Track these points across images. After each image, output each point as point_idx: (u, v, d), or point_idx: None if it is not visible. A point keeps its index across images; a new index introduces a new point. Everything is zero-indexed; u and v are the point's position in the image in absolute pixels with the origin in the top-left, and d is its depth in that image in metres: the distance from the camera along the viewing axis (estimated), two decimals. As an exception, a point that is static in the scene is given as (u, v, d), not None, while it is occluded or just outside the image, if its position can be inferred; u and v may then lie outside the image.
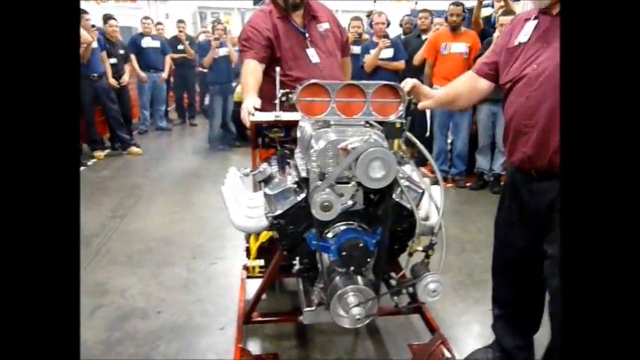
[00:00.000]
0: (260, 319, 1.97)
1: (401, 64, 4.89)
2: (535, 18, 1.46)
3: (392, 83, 1.37)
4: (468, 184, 4.55)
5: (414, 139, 1.49)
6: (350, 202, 1.38)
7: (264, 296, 2.31)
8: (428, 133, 5.01)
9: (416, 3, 10.86)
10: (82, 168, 5.06)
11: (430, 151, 4.75)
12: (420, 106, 1.66)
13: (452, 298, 2.53)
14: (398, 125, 1.34)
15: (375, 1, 11.05)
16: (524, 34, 1.47)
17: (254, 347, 2.03)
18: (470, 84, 1.70)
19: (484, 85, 1.65)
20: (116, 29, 6.14)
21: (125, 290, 2.55)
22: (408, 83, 1.58)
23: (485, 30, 4.57)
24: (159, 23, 7.65)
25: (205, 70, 6.59)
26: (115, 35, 6.09)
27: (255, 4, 10.72)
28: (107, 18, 6.15)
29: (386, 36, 4.99)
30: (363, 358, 2.04)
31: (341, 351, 2.07)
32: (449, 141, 4.74)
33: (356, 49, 5.03)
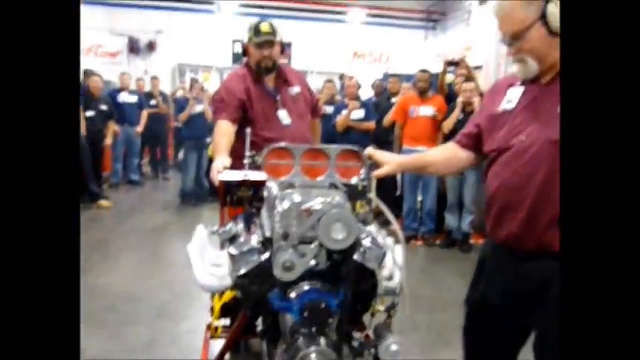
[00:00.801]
0: (222, 382, 1.91)
1: (371, 124, 5.08)
2: (522, 84, 1.40)
3: (353, 148, 1.44)
4: (437, 242, 4.63)
5: (378, 200, 1.54)
6: (313, 262, 1.40)
7: (229, 358, 2.26)
8: (398, 192, 5.14)
9: (388, 67, 11.45)
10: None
11: (400, 210, 4.85)
12: (375, 173, 1.58)
13: (419, 360, 2.51)
14: (360, 188, 1.40)
15: (349, 65, 11.53)
16: (509, 100, 1.40)
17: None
18: (449, 153, 1.65)
19: (464, 155, 1.59)
20: (98, 85, 6.21)
21: (84, 350, 2.43)
22: (367, 151, 1.58)
23: (450, 94, 4.84)
24: (139, 79, 7.82)
25: (180, 125, 6.74)
26: (97, 91, 6.15)
27: (234, 62, 11.09)
28: (90, 73, 6.27)
29: (357, 98, 5.21)
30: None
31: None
32: (418, 199, 4.85)
33: (329, 109, 5.24)
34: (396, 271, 1.62)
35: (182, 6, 11.26)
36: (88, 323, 2.75)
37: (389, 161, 1.58)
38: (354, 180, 1.43)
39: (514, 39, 1.27)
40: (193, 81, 6.70)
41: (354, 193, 1.40)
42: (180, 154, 6.78)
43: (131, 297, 3.15)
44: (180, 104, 6.31)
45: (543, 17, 1.22)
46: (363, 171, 1.44)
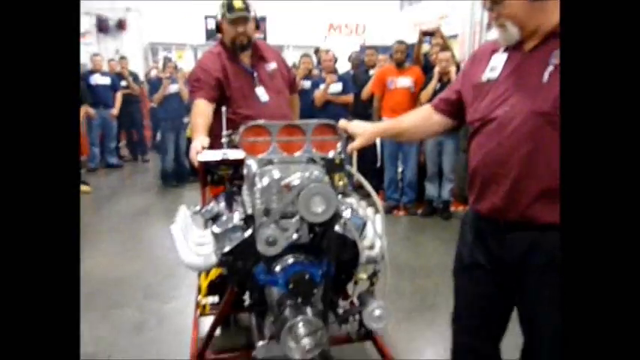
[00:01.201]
0: (214, 356, 1.96)
1: (349, 97, 5.08)
2: (505, 50, 1.33)
3: (329, 122, 1.46)
4: (418, 211, 4.72)
5: (356, 172, 1.57)
6: (295, 236, 1.44)
7: (220, 333, 2.31)
8: (379, 164, 5.20)
9: (364, 39, 11.35)
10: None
11: (382, 181, 4.92)
12: (350, 147, 1.58)
13: (405, 324, 2.60)
14: (337, 161, 1.43)
15: (325, 37, 11.40)
16: (492, 68, 1.34)
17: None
18: (423, 117, 1.61)
19: (439, 119, 1.56)
20: None
21: (73, 336, 2.46)
22: (341, 124, 1.58)
23: (426, 65, 4.86)
24: (111, 59, 7.62)
25: (155, 106, 6.66)
26: None
27: (207, 39, 10.87)
28: None
29: (334, 71, 5.19)
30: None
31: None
32: (399, 170, 4.92)
33: (306, 84, 5.21)
34: (377, 240, 1.67)
35: (151, -18, 10.90)
36: (76, 308, 2.78)
37: (363, 132, 1.57)
38: (331, 154, 1.46)
39: (494, 3, 1.23)
40: (166, 60, 6.55)
41: (332, 167, 1.43)
42: (158, 136, 6.70)
43: (117, 280, 3.16)
44: (154, 84, 6.20)
45: None
46: (339, 144, 1.46)
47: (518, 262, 1.31)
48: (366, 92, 4.99)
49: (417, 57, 4.92)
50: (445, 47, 4.54)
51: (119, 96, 7.01)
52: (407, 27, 9.21)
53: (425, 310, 2.79)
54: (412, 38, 5.27)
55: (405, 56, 4.70)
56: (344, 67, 6.17)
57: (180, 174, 6.14)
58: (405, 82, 4.62)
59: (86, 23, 10.80)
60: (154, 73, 7.77)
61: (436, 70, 4.33)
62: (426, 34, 4.87)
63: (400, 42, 4.69)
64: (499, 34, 1.29)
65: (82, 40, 10.71)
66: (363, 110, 4.99)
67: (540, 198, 1.22)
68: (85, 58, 8.41)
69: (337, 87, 5.03)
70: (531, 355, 1.40)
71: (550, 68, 1.18)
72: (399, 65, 4.67)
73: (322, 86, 4.97)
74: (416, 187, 4.78)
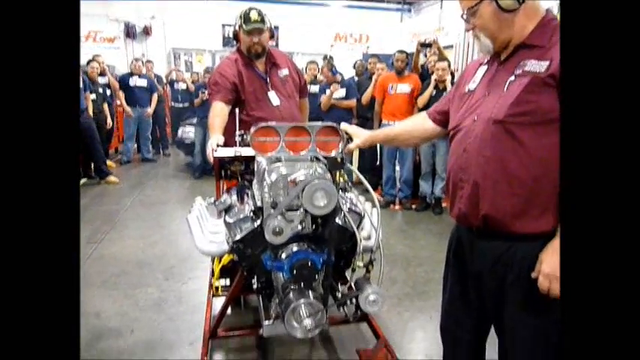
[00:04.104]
0: (225, 333, 1.99)
1: (352, 102, 5.09)
2: (487, 63, 1.31)
3: (332, 124, 1.47)
4: (413, 206, 4.73)
5: (356, 170, 1.59)
6: (299, 227, 1.46)
7: (231, 312, 2.34)
8: (378, 163, 5.21)
9: (368, 47, 11.32)
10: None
11: (380, 178, 4.93)
12: (347, 148, 1.57)
13: (397, 309, 2.62)
14: (339, 159, 1.45)
15: (332, 46, 11.38)
16: (474, 80, 1.32)
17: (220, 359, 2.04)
18: (416, 123, 1.61)
19: (430, 127, 1.54)
20: (96, 70, 6.26)
21: (100, 312, 2.50)
22: (342, 127, 1.59)
23: (423, 73, 4.85)
24: (148, 61, 7.71)
25: (180, 106, 7.26)
26: (94, 76, 6.17)
27: (224, 45, 10.88)
28: (90, 61, 6.28)
29: (336, 80, 5.17)
30: (317, 363, 2.09)
31: (298, 358, 2.12)
32: (396, 169, 4.92)
33: (314, 89, 5.22)
34: (373, 232, 1.69)
35: (174, -7, 10.93)
36: (104, 287, 2.82)
37: (360, 135, 1.61)
38: (333, 153, 1.47)
39: (470, 15, 1.20)
40: (205, 72, 6.76)
41: (334, 165, 1.44)
42: (180, 133, 6.74)
43: (140, 263, 3.20)
44: (174, 86, 6.29)
45: None
46: (341, 145, 1.48)
47: (488, 273, 1.27)
48: (366, 97, 4.98)
49: (416, 66, 4.91)
50: (442, 57, 4.53)
51: (155, 97, 7.05)
52: (407, 37, 9.19)
53: (416, 296, 2.80)
54: (412, 48, 5.26)
55: (405, 64, 4.69)
56: (348, 73, 6.16)
57: (205, 168, 6.17)
58: (404, 88, 4.61)
59: (115, 29, 10.88)
60: (174, 75, 7.86)
61: (432, 77, 4.32)
62: (424, 45, 4.85)
63: (401, 51, 4.68)
64: (475, 43, 1.27)
65: (110, 45, 10.82)
66: (366, 113, 5.00)
67: (498, 204, 1.17)
68: (113, 61, 8.49)
69: (341, 93, 5.04)
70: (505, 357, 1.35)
71: (511, 78, 1.16)
72: (399, 73, 4.66)
73: (327, 92, 4.99)
74: (411, 185, 4.78)
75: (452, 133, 1.34)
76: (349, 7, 11.85)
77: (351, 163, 1.64)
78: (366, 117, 4.99)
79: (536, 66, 1.10)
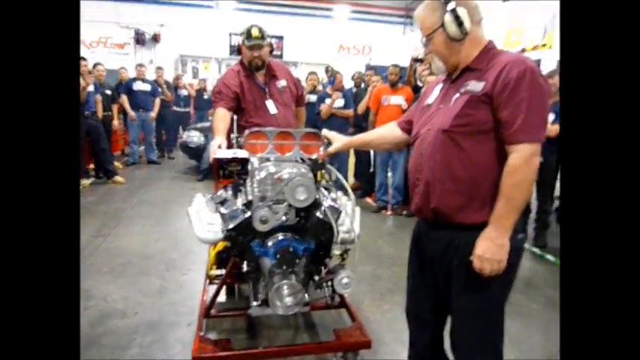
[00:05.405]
0: (217, 313, 2.21)
1: (350, 112, 5.36)
2: (443, 81, 1.50)
3: (314, 130, 1.71)
4: (404, 212, 4.93)
5: (333, 169, 1.81)
6: (284, 218, 1.68)
7: (224, 299, 2.56)
8: (372, 169, 5.44)
9: (370, 59, 11.58)
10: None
11: (374, 184, 5.15)
12: (325, 152, 1.76)
13: (379, 302, 2.83)
14: (320, 161, 1.68)
15: (335, 57, 11.63)
16: (433, 96, 1.51)
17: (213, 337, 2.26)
18: (387, 131, 1.77)
19: (399, 134, 1.70)
20: (103, 73, 6.57)
21: (107, 295, 2.73)
22: (323, 133, 1.80)
23: (417, 86, 5.09)
24: (159, 68, 7.99)
25: (185, 110, 7.89)
26: (101, 79, 6.49)
27: (230, 53, 11.17)
28: (96, 64, 6.61)
29: (341, 90, 5.46)
30: (299, 343, 2.31)
31: (284, 339, 2.34)
32: (389, 175, 5.14)
33: (312, 98, 5.49)
34: (347, 220, 1.89)
35: (183, 1, 11.27)
36: (111, 275, 3.06)
37: (338, 140, 1.79)
38: (314, 155, 1.70)
39: (427, 41, 1.41)
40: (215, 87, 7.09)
41: (316, 166, 1.67)
42: (184, 136, 6.99)
43: (145, 255, 3.44)
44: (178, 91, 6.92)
45: (443, 25, 1.33)
46: (322, 148, 1.71)
47: (439, 258, 1.46)
48: (361, 107, 5.23)
49: (409, 79, 5.16)
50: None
51: (158, 101, 7.26)
52: (408, 49, 9.43)
53: (397, 292, 2.99)
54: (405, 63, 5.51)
55: (399, 78, 4.94)
56: (350, 84, 6.42)
57: (210, 171, 6.39)
58: (397, 100, 4.84)
59: (125, 36, 11.22)
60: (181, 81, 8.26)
61: (423, 90, 4.56)
62: (416, 60, 5.11)
63: (395, 65, 4.93)
64: (432, 64, 1.50)
65: (120, 51, 11.15)
66: (362, 123, 5.24)
67: (444, 199, 1.37)
68: (123, 64, 8.79)
69: (340, 102, 5.32)
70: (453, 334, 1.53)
71: (457, 95, 1.38)
72: (393, 85, 4.91)
73: (328, 101, 5.25)
74: (403, 191, 4.99)
75: (413, 140, 1.55)
76: (353, 20, 12.15)
77: (331, 164, 1.84)
78: (361, 126, 5.24)
79: (475, 86, 1.33)
